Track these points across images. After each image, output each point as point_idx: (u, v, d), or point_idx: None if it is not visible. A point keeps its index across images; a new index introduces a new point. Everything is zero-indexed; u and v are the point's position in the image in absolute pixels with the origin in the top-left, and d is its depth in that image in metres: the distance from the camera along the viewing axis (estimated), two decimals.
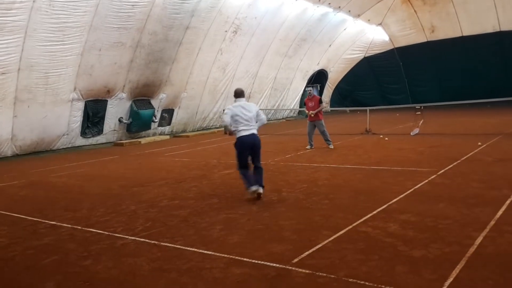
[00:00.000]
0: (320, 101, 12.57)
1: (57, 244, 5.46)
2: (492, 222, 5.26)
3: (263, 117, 7.19)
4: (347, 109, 28.54)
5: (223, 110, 11.79)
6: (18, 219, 6.74)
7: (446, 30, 26.06)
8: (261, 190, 6.94)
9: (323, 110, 12.69)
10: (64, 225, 6.24)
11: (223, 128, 7.59)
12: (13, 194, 8.77)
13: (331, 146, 12.45)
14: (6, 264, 4.91)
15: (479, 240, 4.72)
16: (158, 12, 15.55)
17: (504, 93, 17.73)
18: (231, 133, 7.07)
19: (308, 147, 12.66)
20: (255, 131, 7.01)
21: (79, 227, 6.08)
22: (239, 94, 7.22)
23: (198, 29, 17.78)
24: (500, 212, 5.64)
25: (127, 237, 5.54)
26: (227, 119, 7.00)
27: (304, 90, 28.02)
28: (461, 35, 25.72)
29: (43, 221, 6.51)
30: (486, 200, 6.29)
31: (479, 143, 11.65)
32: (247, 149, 7.00)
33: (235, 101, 7.24)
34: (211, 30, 18.42)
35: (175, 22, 16.50)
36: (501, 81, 24.42)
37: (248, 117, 6.97)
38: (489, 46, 24.84)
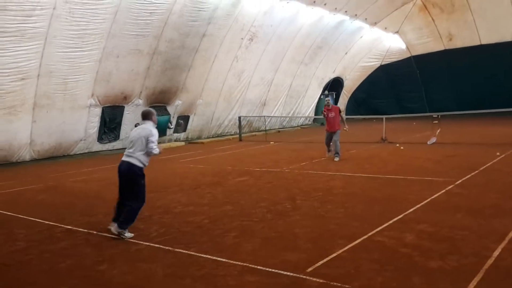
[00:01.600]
0: (340, 111, 12.47)
1: (73, 248, 5.52)
2: (511, 234, 5.16)
3: (151, 146, 5.78)
4: (361, 117, 28.34)
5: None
6: (35, 223, 6.84)
7: (464, 39, 25.78)
8: (113, 230, 5.84)
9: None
10: (80, 229, 6.31)
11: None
12: (30, 198, 8.89)
13: (337, 159, 11.96)
14: (22, 266, 4.98)
15: (497, 252, 4.63)
16: (175, 19, 15.71)
17: None
18: None
19: (329, 154, 12.57)
20: (135, 162, 5.80)
21: (95, 232, 6.13)
22: (143, 116, 6.15)
23: (215, 37, 17.90)
24: None
25: (141, 242, 5.57)
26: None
27: (320, 98, 27.92)
28: (479, 43, 25.42)
29: (60, 225, 6.59)
30: (504, 211, 6.17)
31: (498, 153, 11.46)
32: (120, 178, 5.91)
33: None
34: (227, 38, 18.53)
35: (191, 30, 16.65)
36: None
37: (133, 142, 5.88)
38: (507, 55, 24.48)
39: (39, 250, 5.51)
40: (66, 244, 5.70)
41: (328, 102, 12.74)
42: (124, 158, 5.89)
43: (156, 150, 5.80)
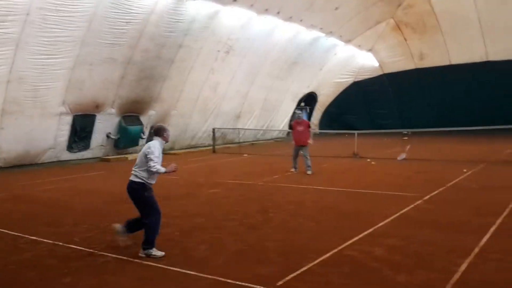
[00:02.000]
0: (309, 126, 12.55)
1: (37, 260, 5.35)
2: (477, 249, 5.29)
3: (149, 164, 5.50)
4: (333, 131, 28.71)
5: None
6: None
7: (435, 58, 26.56)
8: (117, 227, 5.72)
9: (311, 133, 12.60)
10: (46, 240, 6.12)
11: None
12: None
13: (309, 172, 12.06)
14: None
15: (463, 267, 4.73)
16: (152, 30, 15.64)
17: (489, 122, 18.00)
18: None
19: (293, 169, 12.53)
20: (134, 178, 5.65)
21: (61, 243, 5.96)
22: (154, 132, 5.99)
23: (191, 48, 17.88)
24: (484, 239, 5.67)
25: (109, 254, 5.44)
26: None
27: (294, 112, 28.16)
28: (449, 63, 26.24)
29: (24, 236, 6.38)
30: (470, 227, 6.32)
31: (464, 170, 11.77)
32: (130, 198, 5.78)
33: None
34: (204, 50, 18.54)
35: (168, 40, 16.59)
36: (487, 110, 24.83)
37: (137, 159, 5.74)
38: (476, 75, 25.34)
39: (2, 261, 5.31)
40: (30, 255, 5.52)
41: (299, 116, 12.86)
42: (130, 177, 5.70)
43: (154, 168, 5.44)
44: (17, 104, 13.44)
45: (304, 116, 13.37)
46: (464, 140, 21.04)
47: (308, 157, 12.17)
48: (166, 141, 5.90)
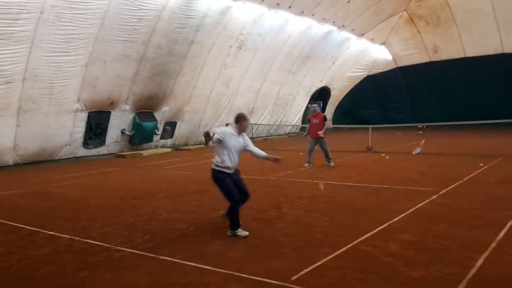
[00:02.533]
0: (325, 119, 12.51)
1: (54, 255, 5.43)
2: (493, 244, 5.22)
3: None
4: (347, 126, 28.57)
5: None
6: (16, 228, 6.72)
7: (449, 51, 26.20)
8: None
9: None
10: (63, 235, 6.21)
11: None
12: (12, 203, 8.74)
13: (332, 164, 12.39)
14: (1, 273, 4.88)
15: (480, 262, 4.68)
16: (164, 26, 15.70)
17: (505, 115, 17.73)
18: None
19: (307, 165, 12.51)
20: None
21: (78, 238, 6.05)
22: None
23: (203, 44, 17.92)
24: (501, 234, 5.60)
25: (125, 249, 5.50)
26: None
27: (307, 107, 28.10)
28: (463, 56, 25.86)
29: (42, 231, 6.48)
30: (487, 222, 6.25)
31: (481, 164, 11.62)
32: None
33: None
34: (216, 45, 18.56)
35: (180, 37, 16.64)
36: (503, 103, 24.46)
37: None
38: (491, 68, 24.95)
39: (19, 256, 5.41)
40: (47, 250, 5.61)
41: (315, 109, 12.87)
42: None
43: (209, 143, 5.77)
44: (33, 101, 13.63)
45: (319, 109, 13.38)
46: (480, 134, 20.77)
47: (327, 149, 12.32)
48: (242, 131, 6.03)
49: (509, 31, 23.43)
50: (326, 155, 12.43)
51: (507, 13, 22.52)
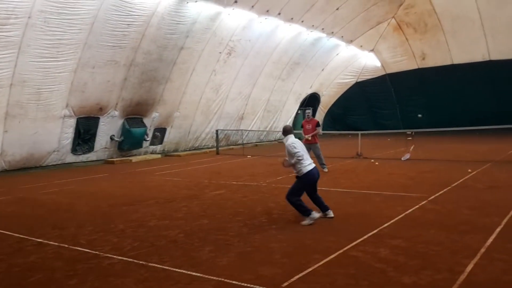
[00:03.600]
0: (318, 124, 12.61)
1: (43, 262, 5.36)
2: (483, 250, 5.26)
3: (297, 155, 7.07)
4: (337, 132, 28.70)
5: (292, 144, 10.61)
6: (4, 235, 6.62)
7: (437, 58, 26.52)
8: (332, 214, 7.19)
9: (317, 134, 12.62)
10: (51, 243, 6.13)
11: (282, 161, 7.41)
12: None
13: (326, 170, 12.41)
14: None
15: (469, 267, 4.71)
16: (153, 32, 15.67)
17: (492, 121, 17.95)
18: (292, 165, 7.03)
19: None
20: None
21: (66, 246, 5.97)
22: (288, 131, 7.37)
23: (193, 50, 17.91)
24: (490, 240, 5.64)
25: (114, 256, 5.45)
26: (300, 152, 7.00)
27: (297, 113, 28.19)
28: (451, 63, 26.18)
29: (30, 238, 6.40)
30: (476, 227, 6.30)
31: (469, 170, 11.73)
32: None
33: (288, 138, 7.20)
34: (205, 51, 18.57)
35: (169, 42, 16.62)
36: (490, 109, 24.79)
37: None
38: (478, 74, 25.29)
39: (7, 264, 5.32)
40: (36, 258, 5.53)
41: (308, 115, 12.98)
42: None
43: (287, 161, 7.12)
44: (20, 107, 13.49)
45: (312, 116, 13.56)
46: (468, 140, 20.99)
47: (321, 155, 12.39)
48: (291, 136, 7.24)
49: (496, 38, 23.78)
50: (320, 161, 12.40)
51: (493, 20, 22.89)
